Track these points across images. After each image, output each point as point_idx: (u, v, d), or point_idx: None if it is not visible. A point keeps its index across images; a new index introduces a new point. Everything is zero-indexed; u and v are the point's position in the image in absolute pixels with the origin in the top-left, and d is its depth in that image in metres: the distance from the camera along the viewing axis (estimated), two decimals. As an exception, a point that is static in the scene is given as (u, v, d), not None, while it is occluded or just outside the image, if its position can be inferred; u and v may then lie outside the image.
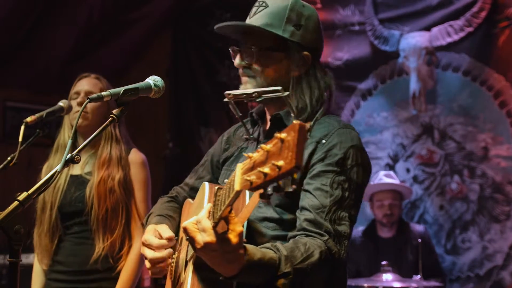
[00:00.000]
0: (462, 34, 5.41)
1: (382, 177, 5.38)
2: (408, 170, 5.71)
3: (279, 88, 2.19)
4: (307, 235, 2.01)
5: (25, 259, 1.96)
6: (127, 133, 3.45)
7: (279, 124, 2.29)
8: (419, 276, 4.58)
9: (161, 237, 2.23)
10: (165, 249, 2.21)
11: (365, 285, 4.57)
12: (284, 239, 2.10)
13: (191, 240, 1.76)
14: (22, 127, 2.56)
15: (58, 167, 1.89)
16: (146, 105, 6.68)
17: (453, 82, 5.49)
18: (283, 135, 1.42)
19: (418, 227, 5.31)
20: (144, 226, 2.54)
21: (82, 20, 6.58)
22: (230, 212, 1.71)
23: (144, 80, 2.19)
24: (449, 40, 5.47)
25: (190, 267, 2.07)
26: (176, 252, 2.41)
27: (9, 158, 2.54)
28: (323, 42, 2.42)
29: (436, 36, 5.53)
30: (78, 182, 3.28)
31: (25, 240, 1.81)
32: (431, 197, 5.55)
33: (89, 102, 2.02)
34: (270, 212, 2.17)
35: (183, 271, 2.24)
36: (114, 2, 6.65)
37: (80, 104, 3.25)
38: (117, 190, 3.21)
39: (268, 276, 1.86)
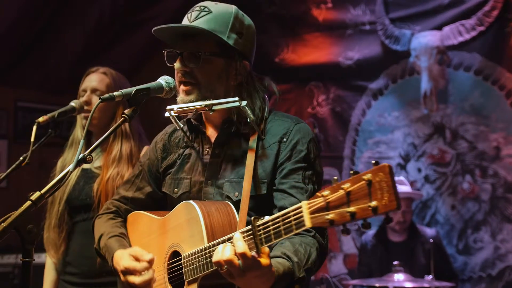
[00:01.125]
0: (473, 33, 5.39)
1: (395, 185, 5.34)
2: (419, 170, 5.69)
3: (236, 99, 2.20)
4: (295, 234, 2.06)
5: (37, 258, 1.96)
6: (141, 129, 3.40)
7: (229, 130, 2.31)
8: (431, 276, 4.56)
9: (139, 260, 2.21)
10: (149, 270, 2.21)
11: (377, 285, 4.56)
12: None
13: (234, 271, 1.82)
14: (34, 127, 2.56)
15: (70, 167, 1.89)
16: (157, 104, 6.69)
17: (464, 82, 5.47)
18: (368, 176, 1.51)
19: (429, 231, 5.28)
20: (97, 250, 2.50)
21: (93, 20, 6.60)
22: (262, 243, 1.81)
23: (154, 80, 2.18)
24: (460, 39, 5.45)
25: None
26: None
27: (21, 158, 2.54)
28: (254, 54, 2.42)
29: (448, 35, 5.51)
30: (87, 176, 3.26)
31: (38, 239, 1.81)
32: (442, 197, 5.53)
33: (101, 102, 2.02)
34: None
35: None
36: (124, 3, 6.66)
37: (85, 103, 3.23)
38: None
39: (286, 282, 1.96)
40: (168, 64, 2.32)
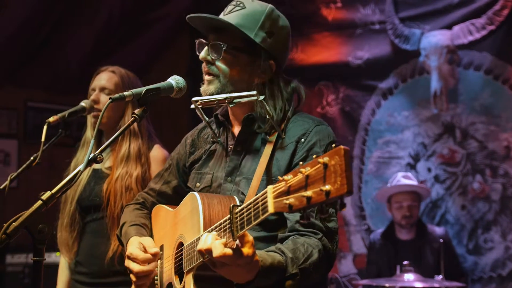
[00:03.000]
0: (484, 33, 5.37)
1: (400, 179, 5.35)
2: (429, 170, 5.68)
3: (254, 92, 2.20)
4: (302, 235, 2.07)
5: (47, 257, 1.96)
6: (151, 128, 3.39)
7: (251, 126, 2.31)
8: (441, 276, 4.55)
9: (145, 251, 2.25)
10: (150, 263, 2.24)
11: (386, 285, 4.55)
12: (265, 239, 2.15)
13: (210, 260, 1.81)
14: (45, 127, 2.57)
15: (81, 167, 1.89)
16: (166, 104, 6.70)
17: (474, 81, 5.45)
18: (325, 159, 1.44)
19: (438, 230, 5.26)
20: (118, 237, 2.56)
21: (102, 21, 6.62)
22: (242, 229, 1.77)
23: (164, 80, 2.19)
24: (470, 38, 5.43)
25: (190, 279, 2.09)
26: (158, 261, 2.42)
27: (32, 158, 2.55)
28: (287, 58, 2.41)
29: (458, 35, 5.49)
30: (98, 176, 3.27)
31: (49, 239, 1.82)
32: (452, 197, 5.51)
33: (111, 102, 2.02)
34: None
35: (174, 281, 2.25)
36: (133, 3, 6.68)
37: (93, 101, 3.23)
38: (134, 188, 3.16)
39: (278, 278, 1.93)
40: (197, 53, 2.35)
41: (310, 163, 1.49)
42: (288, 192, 1.54)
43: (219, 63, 2.28)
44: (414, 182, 5.33)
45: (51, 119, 2.69)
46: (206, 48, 2.31)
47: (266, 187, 2.12)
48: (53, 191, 1.84)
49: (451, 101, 5.57)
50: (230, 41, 2.27)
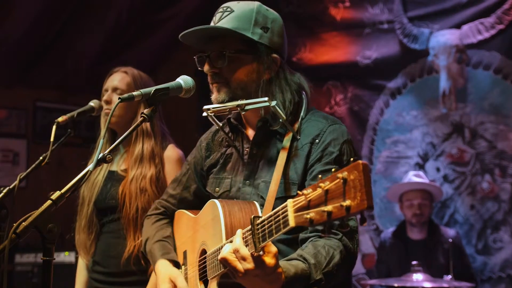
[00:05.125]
0: (493, 32, 5.35)
1: (411, 177, 5.34)
2: (438, 169, 5.66)
3: (265, 99, 2.19)
4: (321, 236, 2.06)
5: (56, 257, 1.98)
6: (165, 128, 3.39)
7: (266, 129, 2.30)
8: (450, 276, 4.53)
9: None
10: None
11: (395, 284, 4.53)
12: (287, 242, 2.16)
13: (233, 270, 1.82)
14: (54, 127, 2.57)
15: (90, 167, 1.90)
16: (174, 105, 6.70)
17: (484, 80, 5.43)
18: (344, 174, 1.45)
19: (450, 231, 5.25)
20: (144, 253, 2.57)
21: (111, 21, 6.63)
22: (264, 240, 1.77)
23: (172, 80, 2.19)
24: (479, 37, 5.41)
25: (215, 287, 2.10)
26: (182, 266, 2.44)
27: (41, 158, 2.55)
28: (286, 48, 2.40)
29: (467, 34, 5.47)
30: (114, 178, 3.28)
31: (58, 240, 1.82)
32: (461, 197, 5.49)
33: (121, 102, 2.03)
34: None
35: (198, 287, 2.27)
36: (142, 3, 6.69)
37: (106, 102, 3.25)
38: (149, 189, 3.17)
39: (302, 285, 1.93)
40: (199, 69, 2.34)
41: (329, 177, 1.50)
42: (308, 206, 1.55)
43: (225, 71, 2.27)
44: (425, 180, 5.32)
45: (60, 119, 2.69)
46: (208, 60, 2.30)
47: (284, 190, 2.15)
48: (62, 191, 1.85)
49: (460, 101, 5.56)
50: (230, 46, 2.26)
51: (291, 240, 2.16)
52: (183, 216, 2.53)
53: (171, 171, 3.26)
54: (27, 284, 5.79)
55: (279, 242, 2.13)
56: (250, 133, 2.39)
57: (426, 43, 5.72)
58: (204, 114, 2.32)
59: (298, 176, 2.19)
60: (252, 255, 1.78)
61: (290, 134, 2.24)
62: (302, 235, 2.13)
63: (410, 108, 5.87)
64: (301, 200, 1.58)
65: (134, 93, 2.05)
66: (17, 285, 5.78)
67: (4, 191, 2.36)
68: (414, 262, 4.59)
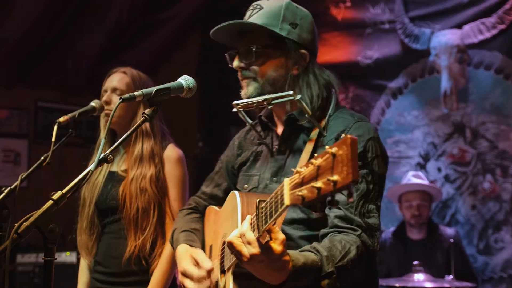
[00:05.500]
0: (494, 32, 5.35)
1: (410, 178, 5.34)
2: (439, 169, 5.66)
3: (290, 92, 2.21)
4: (340, 232, 2.05)
5: (57, 257, 1.98)
6: (165, 127, 3.39)
7: (293, 125, 2.32)
8: (451, 276, 4.53)
9: (198, 265, 2.26)
10: (206, 280, 2.23)
11: (397, 285, 4.53)
12: (311, 239, 2.14)
13: (238, 254, 1.80)
14: (55, 127, 2.58)
15: (91, 167, 1.90)
16: (176, 105, 6.70)
17: (485, 80, 5.43)
18: (334, 149, 1.43)
19: (449, 230, 5.25)
20: (171, 243, 2.58)
21: (112, 21, 6.63)
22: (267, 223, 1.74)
23: (174, 80, 2.19)
24: (481, 37, 5.41)
25: (230, 277, 2.09)
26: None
27: (42, 158, 2.55)
28: (317, 45, 2.42)
29: (468, 34, 5.47)
30: (114, 179, 3.28)
31: (59, 240, 1.82)
32: (463, 197, 5.49)
33: (122, 102, 2.03)
34: (297, 214, 2.20)
35: (219, 280, 2.26)
36: (143, 3, 6.69)
37: (105, 102, 3.25)
38: (149, 189, 3.16)
39: (313, 277, 1.90)
40: (230, 65, 2.37)
41: (321, 153, 1.48)
42: (301, 183, 1.53)
43: (254, 66, 2.30)
44: (424, 181, 5.32)
45: (61, 119, 2.69)
46: (237, 55, 2.33)
47: None
48: (64, 191, 1.85)
49: (461, 101, 5.55)
50: (258, 41, 2.29)
51: (315, 237, 2.15)
52: (212, 211, 2.56)
53: (171, 171, 3.26)
54: (29, 284, 5.80)
55: (301, 239, 2.14)
56: (280, 130, 2.41)
57: (428, 43, 5.72)
58: (234, 109, 2.36)
59: None
60: (258, 240, 1.75)
61: (317, 130, 2.24)
62: (322, 231, 2.12)
63: (411, 108, 5.87)
64: (295, 178, 1.56)
65: (136, 93, 2.05)
66: (19, 285, 5.78)
67: (6, 191, 2.36)
68: (415, 262, 4.59)
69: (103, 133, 3.34)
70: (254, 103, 2.28)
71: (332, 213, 2.10)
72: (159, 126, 3.33)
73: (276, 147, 2.38)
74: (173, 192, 3.25)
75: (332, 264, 1.91)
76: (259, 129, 2.48)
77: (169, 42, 7.49)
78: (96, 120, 3.41)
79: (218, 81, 7.32)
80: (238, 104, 2.32)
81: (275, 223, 1.73)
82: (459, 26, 5.54)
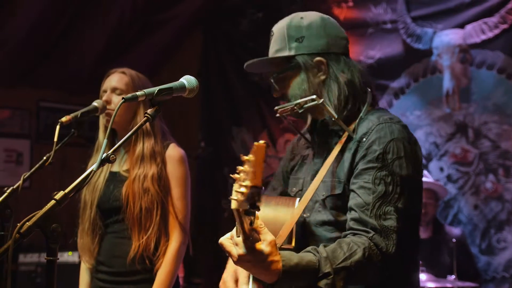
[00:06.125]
0: (496, 31, 5.34)
1: (415, 176, 5.33)
2: (441, 169, 5.66)
3: (313, 96, 2.28)
4: (354, 234, 2.06)
5: (60, 257, 1.98)
6: (164, 127, 3.40)
7: (326, 129, 2.37)
8: (453, 276, 4.53)
9: (237, 284, 2.27)
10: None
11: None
12: (333, 241, 2.14)
13: (228, 254, 1.86)
14: (57, 127, 2.57)
15: (93, 167, 1.90)
16: (178, 105, 6.71)
17: (487, 80, 5.42)
18: (250, 156, 1.56)
19: (455, 230, 5.25)
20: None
21: (114, 21, 6.64)
22: (250, 224, 1.80)
23: (175, 80, 2.19)
24: (483, 37, 5.40)
25: (251, 277, 2.19)
26: None
27: (44, 158, 2.55)
28: (337, 41, 2.44)
29: (470, 34, 5.46)
30: (116, 179, 3.28)
31: (62, 240, 1.82)
32: (465, 197, 5.48)
33: (124, 102, 2.02)
34: (327, 216, 2.24)
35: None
36: (145, 3, 6.69)
37: (106, 102, 3.25)
38: (152, 189, 3.16)
39: (309, 278, 1.92)
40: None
41: (245, 160, 1.60)
42: (238, 188, 1.63)
43: (282, 91, 2.40)
44: (429, 179, 5.32)
45: (63, 119, 2.69)
46: (272, 87, 2.44)
47: (330, 189, 2.22)
48: (66, 190, 1.85)
49: (464, 101, 5.55)
50: (277, 68, 2.39)
51: (342, 207, 2.21)
52: None
53: (173, 170, 3.27)
54: (31, 284, 5.81)
55: (331, 240, 2.14)
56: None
57: (430, 43, 5.71)
58: (277, 115, 2.45)
59: (344, 175, 2.22)
60: (245, 241, 1.80)
61: (347, 133, 2.28)
62: (342, 234, 2.14)
63: (413, 108, 5.86)
64: (236, 183, 1.66)
65: (138, 93, 2.05)
66: (21, 285, 5.79)
67: (8, 191, 2.37)
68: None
69: (102, 134, 3.34)
70: (288, 108, 2.36)
71: (349, 216, 2.12)
72: (159, 125, 3.33)
73: (315, 150, 2.44)
74: (176, 191, 3.25)
75: (330, 265, 1.92)
76: (307, 134, 2.54)
77: (171, 42, 7.49)
78: (98, 120, 3.41)
79: (220, 81, 7.33)
80: (277, 109, 2.43)
81: (251, 223, 1.80)
82: (461, 26, 5.53)
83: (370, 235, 2.03)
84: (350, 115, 2.30)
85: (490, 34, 5.36)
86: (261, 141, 1.56)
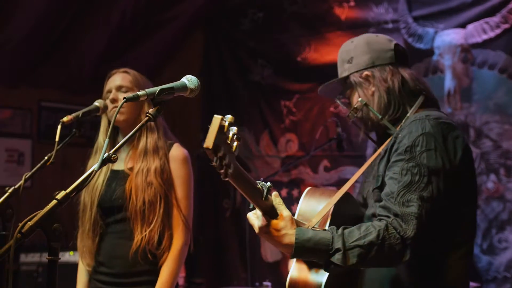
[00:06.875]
0: (498, 31, 5.33)
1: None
2: (443, 169, 5.65)
3: (360, 99, 2.57)
4: (380, 220, 2.18)
5: (61, 257, 1.98)
6: (165, 124, 3.42)
7: (382, 132, 2.59)
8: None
9: None
10: None
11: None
12: None
13: (252, 226, 2.15)
14: (59, 127, 2.58)
15: (95, 166, 1.90)
16: (179, 105, 6.71)
17: (489, 80, 5.42)
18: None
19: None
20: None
21: (115, 20, 6.63)
22: (265, 199, 2.05)
23: (177, 80, 2.19)
24: (484, 37, 5.40)
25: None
26: None
27: (46, 158, 2.55)
28: (381, 54, 2.63)
29: (472, 33, 5.46)
30: (119, 177, 3.28)
31: (63, 240, 1.82)
32: (466, 196, 5.48)
33: (126, 102, 2.03)
34: (374, 208, 2.36)
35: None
36: (146, 3, 6.69)
37: (112, 100, 3.25)
38: (155, 182, 3.17)
39: (323, 254, 2.09)
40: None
41: None
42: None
43: (350, 110, 2.62)
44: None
45: (65, 119, 2.69)
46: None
47: (375, 182, 2.41)
48: (68, 190, 1.85)
49: (465, 100, 5.54)
50: (340, 92, 2.74)
51: None
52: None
53: (177, 170, 3.27)
54: (32, 284, 5.81)
55: None
56: None
57: (431, 43, 5.71)
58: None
59: (383, 169, 2.38)
60: (264, 215, 2.08)
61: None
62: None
63: (415, 108, 5.85)
64: None
65: (139, 92, 2.05)
66: (22, 284, 5.79)
67: (10, 191, 2.37)
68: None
69: (102, 135, 3.35)
70: (349, 112, 2.61)
71: (378, 204, 2.26)
72: (161, 122, 3.35)
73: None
74: (180, 190, 3.26)
75: (343, 242, 2.07)
76: (375, 138, 2.73)
77: (172, 42, 7.49)
78: (99, 120, 3.41)
79: (221, 81, 7.33)
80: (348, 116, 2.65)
81: (280, 201, 2.13)
82: (462, 25, 5.53)
83: (390, 219, 2.14)
84: (398, 117, 2.50)
85: (491, 34, 5.36)
86: (218, 115, 1.75)
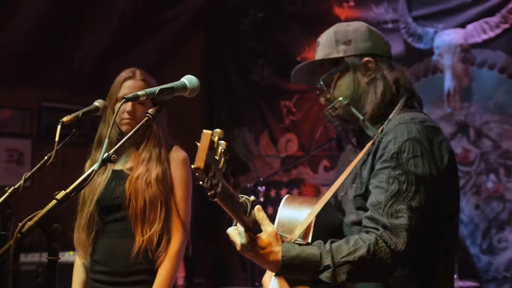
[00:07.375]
0: (497, 31, 5.34)
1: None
2: (442, 169, 5.65)
3: (340, 98, 2.37)
4: (367, 232, 2.08)
5: (61, 257, 1.98)
6: (168, 128, 3.41)
7: (362, 134, 2.39)
8: (454, 276, 4.52)
9: None
10: None
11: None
12: None
13: (233, 243, 2.00)
14: (59, 127, 2.57)
15: (95, 166, 1.90)
16: (179, 105, 6.70)
17: (488, 80, 5.42)
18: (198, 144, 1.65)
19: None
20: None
21: (116, 20, 6.64)
22: (248, 215, 1.93)
23: (177, 80, 2.19)
24: (484, 37, 5.40)
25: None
26: None
27: (45, 158, 2.55)
28: (381, 45, 2.48)
29: (471, 33, 5.46)
30: (119, 177, 3.28)
31: (63, 239, 1.82)
32: (466, 196, 5.48)
33: (125, 102, 2.02)
34: (356, 216, 2.26)
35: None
36: (147, 3, 6.69)
37: (129, 113, 3.25)
38: (154, 184, 3.17)
39: (311, 271, 1.99)
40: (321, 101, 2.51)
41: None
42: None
43: (330, 94, 2.42)
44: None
45: (65, 118, 2.69)
46: (319, 91, 2.48)
47: (356, 189, 2.27)
48: (68, 190, 1.85)
49: (465, 100, 5.55)
50: (324, 72, 2.43)
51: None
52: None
53: (176, 172, 3.28)
54: (32, 284, 5.81)
55: None
56: None
57: (431, 43, 5.71)
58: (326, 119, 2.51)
59: (367, 176, 2.25)
60: (247, 231, 1.95)
61: (375, 135, 2.29)
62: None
63: (414, 108, 5.86)
64: None
65: (139, 92, 2.05)
66: (22, 284, 5.79)
67: (9, 191, 2.37)
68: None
69: (114, 132, 3.33)
70: (327, 110, 2.43)
71: (365, 214, 2.15)
72: (166, 131, 3.35)
73: (356, 153, 2.45)
74: (179, 192, 3.27)
75: (332, 258, 1.97)
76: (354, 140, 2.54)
77: (173, 42, 7.49)
78: (99, 120, 3.41)
79: (221, 81, 7.33)
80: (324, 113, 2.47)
81: (264, 216, 2.00)
82: (462, 25, 5.53)
83: (380, 232, 2.04)
84: (381, 116, 2.33)
85: (491, 34, 5.36)
86: (208, 131, 1.62)
